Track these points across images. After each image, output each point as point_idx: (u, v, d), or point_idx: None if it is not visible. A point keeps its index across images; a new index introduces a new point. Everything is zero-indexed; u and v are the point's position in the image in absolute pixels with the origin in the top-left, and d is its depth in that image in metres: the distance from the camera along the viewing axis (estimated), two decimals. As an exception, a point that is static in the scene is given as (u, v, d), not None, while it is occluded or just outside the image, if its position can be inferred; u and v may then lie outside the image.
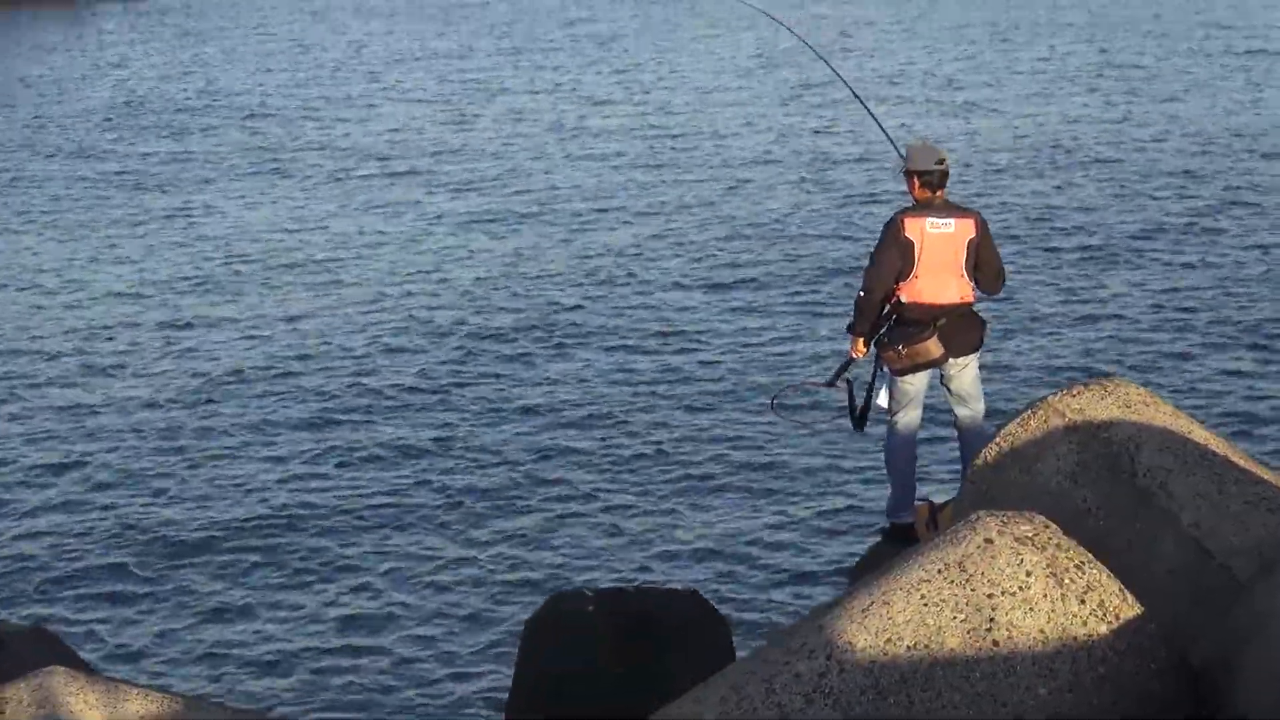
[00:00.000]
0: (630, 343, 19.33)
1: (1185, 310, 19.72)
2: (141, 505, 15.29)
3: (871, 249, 10.75)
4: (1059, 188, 26.15)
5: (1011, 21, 46.64)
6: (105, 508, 15.27)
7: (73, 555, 14.33)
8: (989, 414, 11.12)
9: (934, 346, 10.49)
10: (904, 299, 10.50)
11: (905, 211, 10.57)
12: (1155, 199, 25.21)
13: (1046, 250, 22.47)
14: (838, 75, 13.87)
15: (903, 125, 30.72)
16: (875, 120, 12.86)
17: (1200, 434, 8.43)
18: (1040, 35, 43.63)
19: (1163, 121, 31.08)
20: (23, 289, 22.76)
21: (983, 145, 29.50)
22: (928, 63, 39.79)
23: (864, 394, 11.12)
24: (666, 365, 18.49)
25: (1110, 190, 25.87)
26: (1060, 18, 47.14)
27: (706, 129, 32.32)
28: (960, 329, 10.58)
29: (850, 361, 11.01)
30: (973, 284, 10.61)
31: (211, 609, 13.36)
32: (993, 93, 35.12)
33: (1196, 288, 20.59)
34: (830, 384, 11.41)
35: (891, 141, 12.10)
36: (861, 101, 13.17)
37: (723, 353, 18.82)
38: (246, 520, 14.89)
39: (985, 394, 11.06)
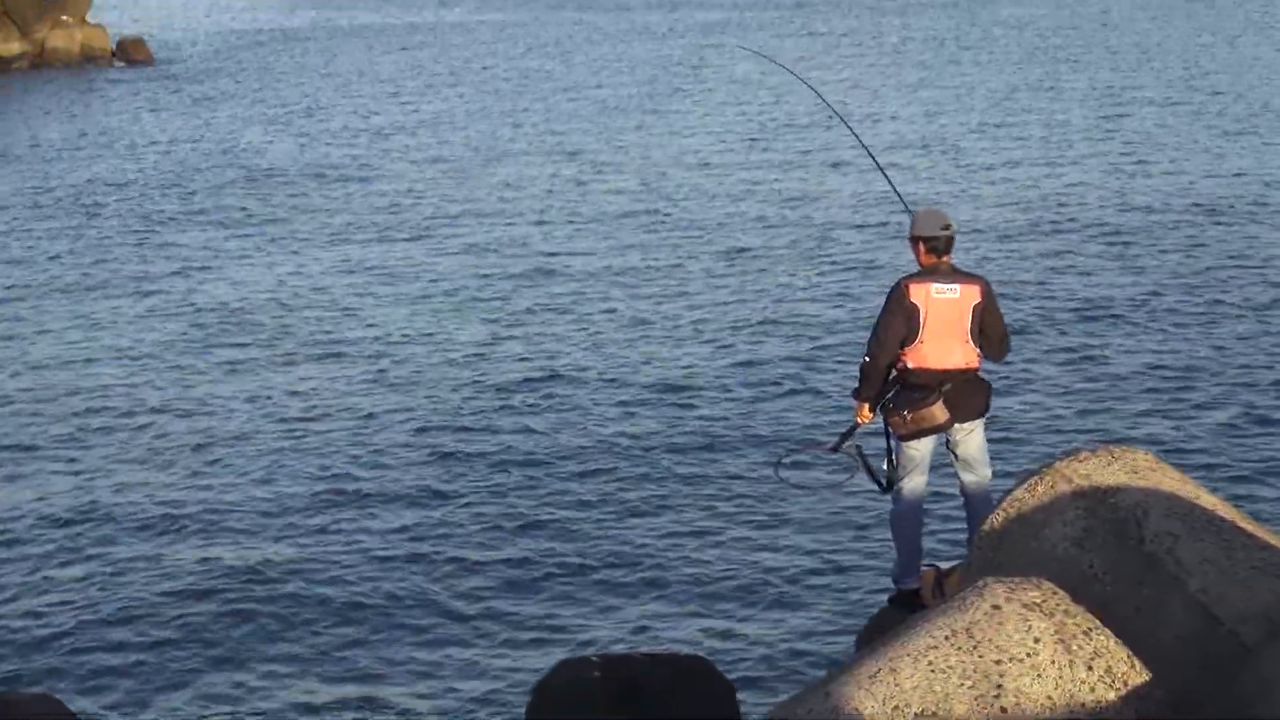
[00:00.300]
0: (633, 404, 19.33)
1: (1191, 375, 19.74)
2: (145, 567, 15.28)
3: (876, 314, 10.77)
4: (1063, 252, 26.22)
5: (1011, 84, 46.87)
6: (111, 571, 15.25)
7: (78, 618, 14.31)
8: (995, 479, 11.11)
9: (939, 411, 10.49)
10: (909, 364, 10.51)
11: (910, 277, 10.58)
12: (1159, 263, 25.27)
13: (1052, 315, 22.51)
14: (856, 137, 13.84)
15: (908, 191, 30.84)
16: (890, 183, 12.82)
17: (1207, 499, 8.43)
18: (1042, 98, 43.83)
19: (1166, 185, 31.19)
20: (26, 349, 22.81)
21: (986, 209, 29.60)
22: (930, 126, 39.96)
23: (884, 455, 11.06)
24: (670, 427, 18.49)
25: (1114, 254, 25.94)
26: (1062, 82, 47.36)
27: (708, 191, 32.43)
28: (966, 394, 10.58)
29: (855, 427, 11.00)
30: (978, 350, 10.61)
31: (218, 670, 13.34)
32: (994, 156, 35.27)
33: (1201, 352, 20.61)
34: (835, 449, 11.39)
35: (904, 203, 12.07)
36: (877, 163, 13.06)
37: (726, 415, 18.83)
38: (250, 579, 14.86)
39: (991, 459, 11.06)
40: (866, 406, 10.77)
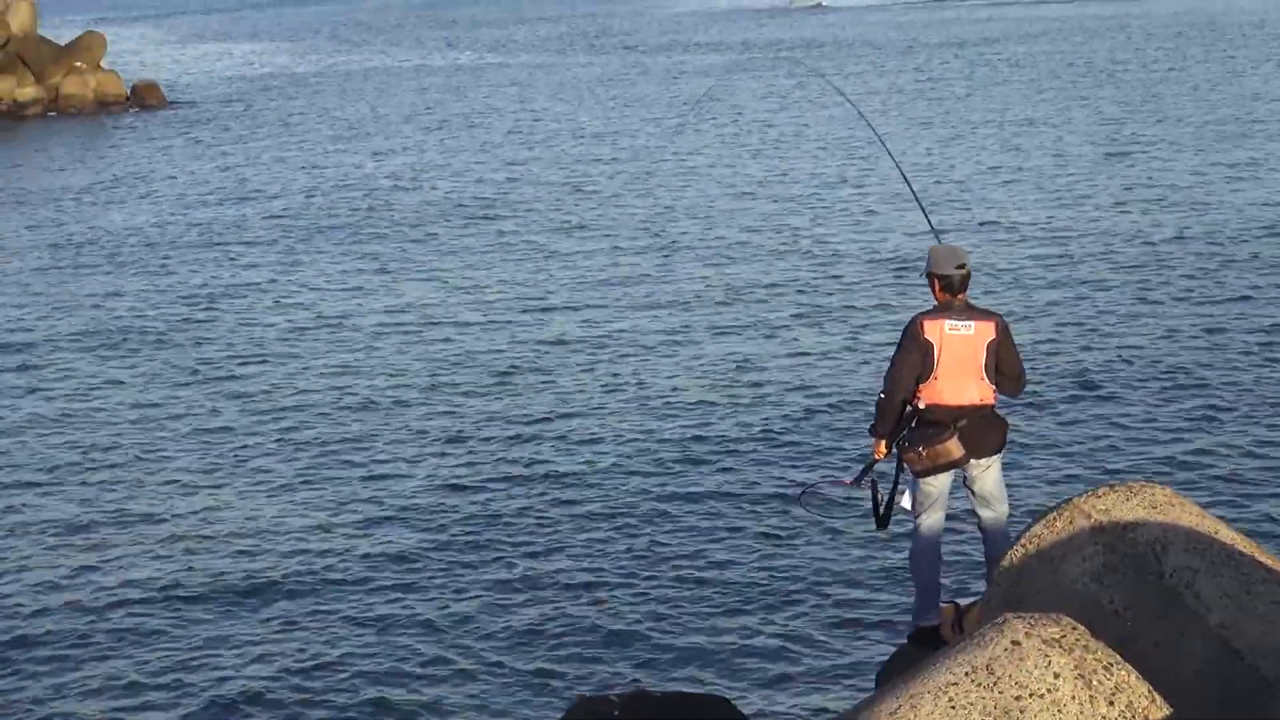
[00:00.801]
0: (649, 443, 19.35)
1: (1208, 409, 19.72)
2: (142, 592, 15.35)
3: (891, 351, 10.80)
4: (1080, 287, 26.22)
5: (1022, 119, 46.94)
6: (116, 602, 15.32)
7: (79, 649, 14.38)
8: (1013, 515, 11.10)
9: (955, 447, 10.49)
10: (924, 401, 10.52)
11: (925, 313, 10.61)
12: (1176, 297, 25.26)
13: (1069, 350, 22.50)
14: (900, 170, 13.57)
15: (920, 228, 30.92)
16: (926, 217, 12.66)
17: (1226, 534, 8.43)
18: (1053, 133, 43.88)
19: (1182, 220, 31.19)
20: (42, 389, 22.90)
21: (1002, 245, 29.61)
22: (942, 161, 40.01)
23: (887, 493, 11.11)
24: (688, 466, 18.50)
25: (1131, 290, 25.94)
26: (1073, 118, 47.43)
27: (727, 225, 32.48)
28: (981, 430, 10.59)
29: (874, 463, 11.01)
30: (993, 386, 10.62)
31: (225, 707, 13.38)
32: (1007, 192, 35.28)
33: (1218, 387, 20.60)
34: (855, 483, 11.41)
35: (935, 234, 11.94)
36: (917, 199, 12.80)
37: (743, 454, 18.85)
38: (261, 609, 14.91)
39: (1010, 495, 11.05)
40: (883, 443, 10.79)
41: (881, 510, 11.13)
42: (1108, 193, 34.79)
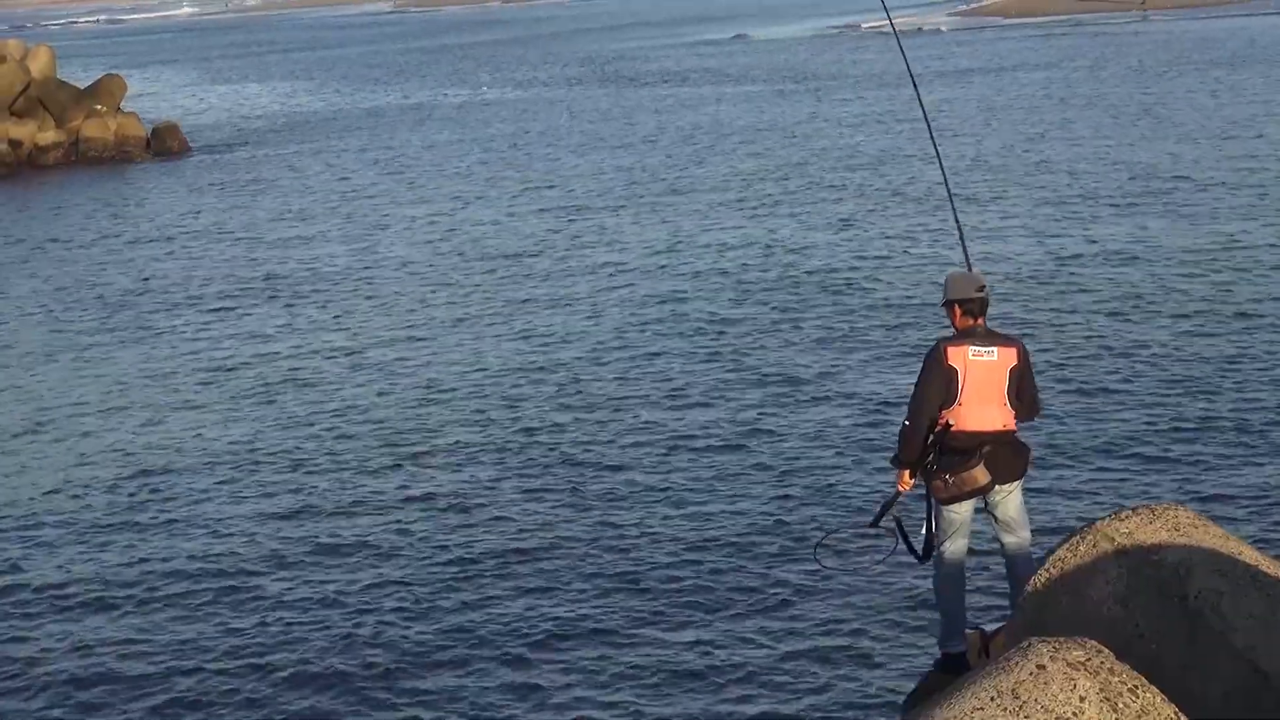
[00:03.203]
0: (667, 475, 19.37)
1: (1230, 431, 19.70)
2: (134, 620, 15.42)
3: (914, 379, 10.79)
4: (1099, 310, 26.19)
5: (1029, 135, 46.93)
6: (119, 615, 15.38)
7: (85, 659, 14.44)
8: (1037, 538, 11.09)
9: (981, 474, 10.50)
10: (949, 427, 10.52)
11: (948, 340, 10.61)
12: (1196, 319, 25.23)
13: (1090, 373, 22.48)
14: (946, 187, 13.40)
15: (936, 251, 30.95)
16: (961, 238, 12.52)
17: (1251, 555, 8.43)
18: (1064, 151, 43.86)
19: (1202, 240, 31.16)
20: (72, 435, 23.03)
21: (1022, 266, 29.61)
22: (955, 181, 40.03)
23: (922, 524, 11.01)
24: (709, 499, 18.52)
25: (1152, 311, 25.90)
26: (1081, 136, 47.42)
27: (750, 244, 32.54)
28: (1005, 456, 10.60)
29: (895, 499, 10.93)
30: (1014, 412, 10.63)
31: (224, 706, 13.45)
32: (1023, 210, 35.27)
33: (1240, 408, 20.57)
34: (874, 524, 11.33)
35: (967, 260, 11.77)
36: (958, 224, 12.75)
37: (761, 486, 18.86)
38: (262, 628, 14.94)
39: (1032, 519, 11.05)
40: (908, 473, 10.75)
41: (922, 541, 11.03)
42: (1122, 210, 34.74)
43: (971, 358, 10.44)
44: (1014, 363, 10.50)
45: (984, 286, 10.69)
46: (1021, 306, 26.57)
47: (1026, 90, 62.36)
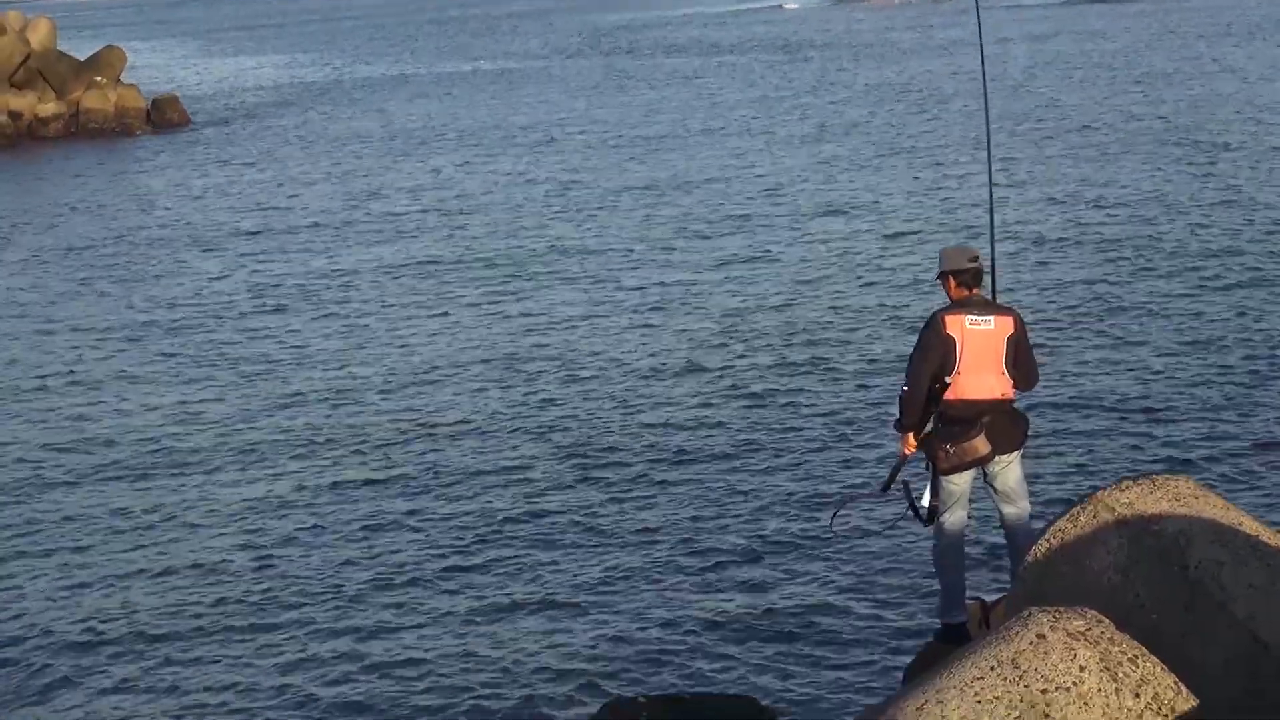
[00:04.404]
0: (678, 446, 19.38)
1: (1231, 401, 19.68)
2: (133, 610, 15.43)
3: (912, 348, 10.84)
4: (1101, 281, 26.16)
5: (1047, 103, 46.88)
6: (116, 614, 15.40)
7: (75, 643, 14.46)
8: (1038, 509, 11.12)
9: (981, 444, 10.56)
10: (948, 396, 10.57)
11: (945, 309, 10.67)
12: (1197, 288, 25.20)
13: (1091, 343, 22.46)
14: (988, 159, 13.26)
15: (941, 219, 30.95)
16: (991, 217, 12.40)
17: (1250, 525, 8.44)
18: (1076, 119, 43.81)
19: (1207, 211, 31.11)
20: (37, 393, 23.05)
21: (1027, 237, 29.57)
22: (971, 162, 40.01)
23: (923, 489, 11.06)
24: (716, 474, 18.52)
25: (1153, 282, 25.88)
26: (1098, 106, 47.35)
27: (756, 225, 32.51)
28: (1004, 426, 10.65)
29: (902, 462, 11.03)
30: (1012, 381, 10.68)
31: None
32: (1027, 180, 35.22)
33: (1241, 379, 20.54)
34: (885, 489, 11.42)
35: (992, 241, 11.68)
36: (992, 197, 12.64)
37: (767, 456, 18.86)
38: (283, 613, 14.97)
39: (1033, 490, 11.08)
40: (911, 436, 10.82)
41: (925, 506, 11.07)
42: (1127, 184, 34.68)
43: (969, 326, 10.51)
44: (1011, 331, 10.58)
45: (977, 257, 10.78)
46: (1023, 275, 26.54)
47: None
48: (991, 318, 10.59)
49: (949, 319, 10.54)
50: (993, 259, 11.31)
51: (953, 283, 10.73)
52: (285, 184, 44.59)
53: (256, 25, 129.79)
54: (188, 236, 37.25)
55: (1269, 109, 45.02)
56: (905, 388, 10.74)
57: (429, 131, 55.27)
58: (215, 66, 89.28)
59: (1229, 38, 67.87)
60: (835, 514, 13.08)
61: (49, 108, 60.02)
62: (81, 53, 65.31)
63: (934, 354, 10.53)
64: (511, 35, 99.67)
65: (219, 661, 14.57)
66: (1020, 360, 10.66)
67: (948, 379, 10.53)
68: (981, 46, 13.27)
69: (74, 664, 14.72)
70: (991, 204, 12.59)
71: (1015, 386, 10.72)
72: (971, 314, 10.56)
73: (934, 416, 10.69)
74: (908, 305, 25.36)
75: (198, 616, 15.57)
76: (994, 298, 10.97)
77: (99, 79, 61.57)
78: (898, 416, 10.88)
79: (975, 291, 10.70)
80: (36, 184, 47.90)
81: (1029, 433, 11.01)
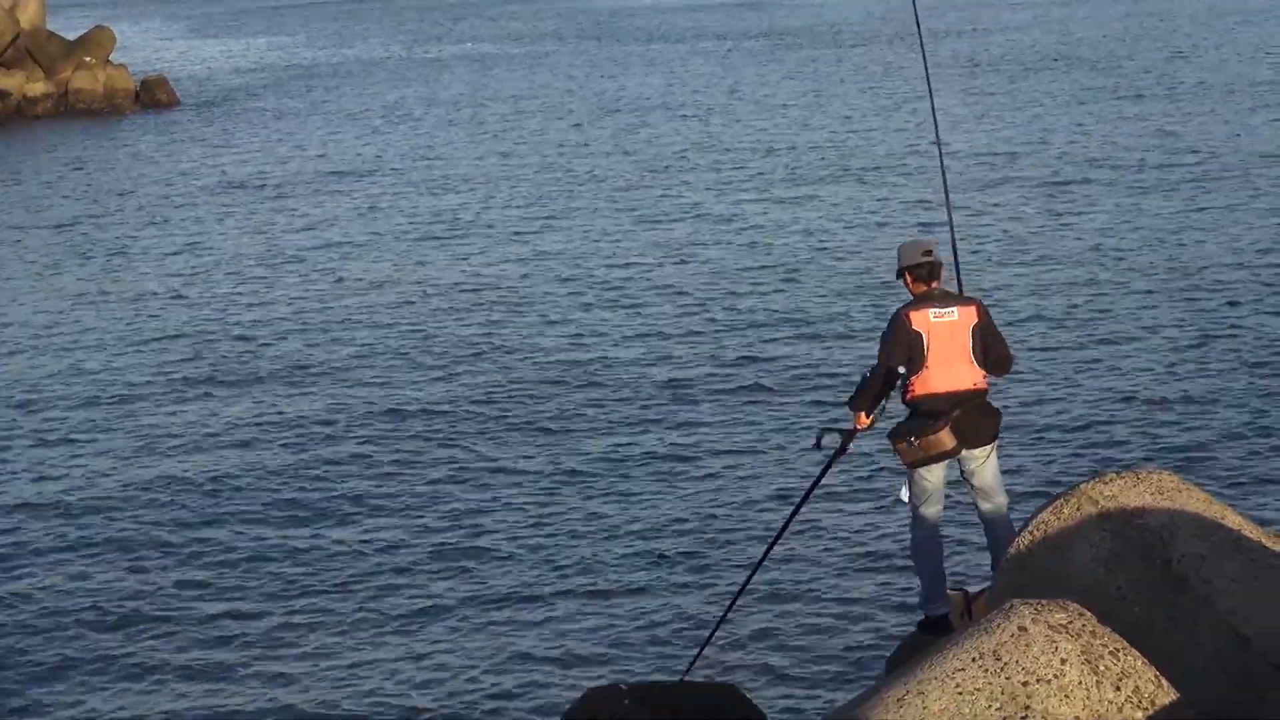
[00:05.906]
0: (660, 430, 19.38)
1: (1214, 395, 19.70)
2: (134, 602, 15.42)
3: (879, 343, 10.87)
4: (1084, 276, 26.18)
5: (1032, 98, 46.88)
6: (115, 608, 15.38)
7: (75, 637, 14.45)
8: (1020, 502, 11.13)
9: (947, 438, 10.53)
10: (917, 391, 10.60)
11: (908, 305, 10.71)
12: (1181, 284, 25.23)
13: (1073, 337, 22.47)
14: (943, 174, 13.31)
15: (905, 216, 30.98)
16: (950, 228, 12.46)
17: (1233, 519, 8.44)
18: (1057, 113, 43.82)
19: (1190, 206, 31.14)
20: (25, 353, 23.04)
21: (1005, 235, 29.58)
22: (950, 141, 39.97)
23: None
24: (694, 460, 18.52)
25: (1137, 277, 25.90)
26: (1071, 95, 47.38)
27: (731, 221, 32.49)
28: (975, 419, 10.64)
29: (851, 434, 10.97)
30: (984, 371, 10.70)
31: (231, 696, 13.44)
32: (1007, 180, 35.20)
33: (1225, 372, 20.58)
34: (816, 446, 11.32)
35: (953, 238, 11.71)
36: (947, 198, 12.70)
37: (751, 450, 18.86)
38: (271, 597, 14.96)
39: (1016, 482, 11.09)
40: (864, 414, 10.80)
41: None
42: (1110, 180, 34.68)
43: (934, 319, 10.56)
44: (975, 320, 10.62)
45: (931, 250, 10.83)
46: (1003, 273, 26.55)
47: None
48: (955, 309, 10.63)
49: (914, 315, 10.59)
50: (954, 250, 11.29)
51: (909, 278, 10.79)
52: (271, 163, 44.52)
53: (245, 8, 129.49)
54: (175, 213, 37.19)
55: (1251, 90, 45.05)
56: (868, 372, 10.77)
57: (412, 109, 55.33)
58: (204, 48, 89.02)
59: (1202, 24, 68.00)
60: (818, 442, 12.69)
61: (38, 87, 59.82)
62: (71, 32, 65.09)
63: (900, 349, 10.58)
64: (504, 20, 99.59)
65: (190, 651, 14.58)
66: (990, 347, 10.68)
67: (914, 374, 10.57)
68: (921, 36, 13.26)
69: (42, 662, 14.72)
70: (947, 193, 12.59)
71: (988, 374, 10.75)
72: (934, 307, 10.59)
73: (887, 398, 10.73)
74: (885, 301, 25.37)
75: (167, 602, 15.57)
76: (960, 289, 10.94)
77: (88, 59, 61.35)
78: (854, 393, 10.84)
79: (935, 285, 10.74)
80: (25, 163, 47.75)
81: (1001, 426, 11.01)
